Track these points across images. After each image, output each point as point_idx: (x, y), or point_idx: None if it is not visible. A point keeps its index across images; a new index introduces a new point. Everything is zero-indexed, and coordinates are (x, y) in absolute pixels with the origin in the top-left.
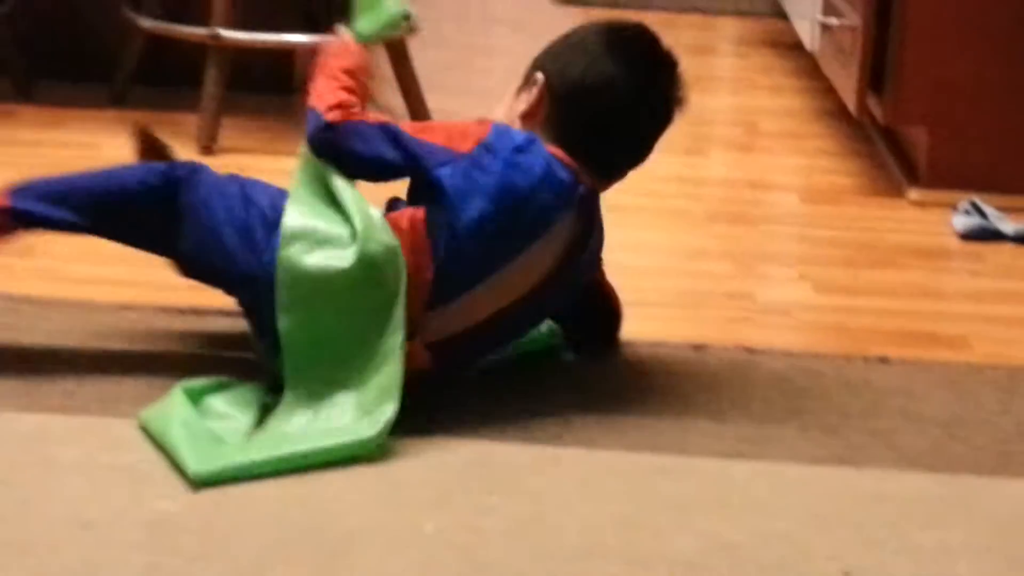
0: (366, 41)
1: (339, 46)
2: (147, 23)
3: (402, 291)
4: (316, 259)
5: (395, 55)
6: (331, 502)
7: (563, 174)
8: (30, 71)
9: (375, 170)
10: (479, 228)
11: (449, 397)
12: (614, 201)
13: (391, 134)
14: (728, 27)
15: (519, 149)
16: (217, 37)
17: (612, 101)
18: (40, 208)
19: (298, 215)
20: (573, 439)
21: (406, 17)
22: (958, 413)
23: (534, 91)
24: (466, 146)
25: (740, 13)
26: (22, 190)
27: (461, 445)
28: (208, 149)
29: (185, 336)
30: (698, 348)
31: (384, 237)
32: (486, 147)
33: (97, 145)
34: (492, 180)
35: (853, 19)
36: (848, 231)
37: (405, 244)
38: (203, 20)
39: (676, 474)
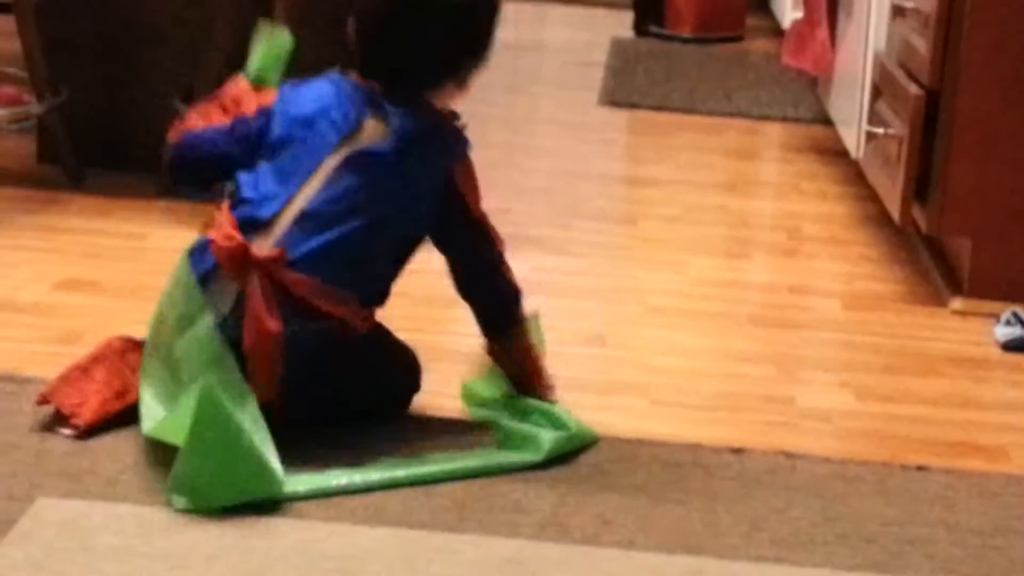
0: (256, 80)
1: (231, 87)
2: None
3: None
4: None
5: None
6: None
7: (348, 80)
8: (81, 160)
9: (224, 168)
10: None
11: (483, 493)
12: (656, 303)
13: (223, 128)
14: (774, 132)
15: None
16: None
17: (378, 8)
18: None
19: None
20: (609, 539)
21: (288, 44)
22: (996, 523)
23: None
24: (268, 100)
25: (786, 119)
26: None
27: (496, 542)
28: None
29: None
30: (737, 452)
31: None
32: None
33: (144, 236)
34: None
35: (899, 128)
36: (889, 339)
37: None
38: None
39: None
